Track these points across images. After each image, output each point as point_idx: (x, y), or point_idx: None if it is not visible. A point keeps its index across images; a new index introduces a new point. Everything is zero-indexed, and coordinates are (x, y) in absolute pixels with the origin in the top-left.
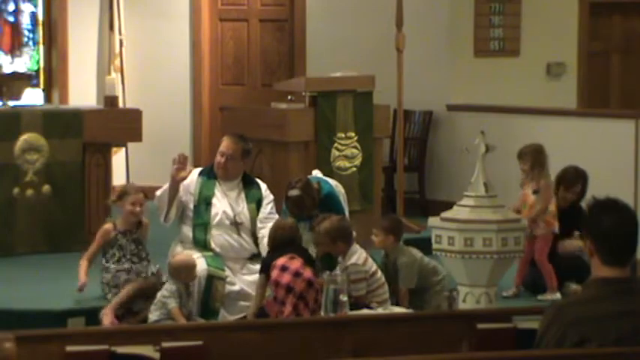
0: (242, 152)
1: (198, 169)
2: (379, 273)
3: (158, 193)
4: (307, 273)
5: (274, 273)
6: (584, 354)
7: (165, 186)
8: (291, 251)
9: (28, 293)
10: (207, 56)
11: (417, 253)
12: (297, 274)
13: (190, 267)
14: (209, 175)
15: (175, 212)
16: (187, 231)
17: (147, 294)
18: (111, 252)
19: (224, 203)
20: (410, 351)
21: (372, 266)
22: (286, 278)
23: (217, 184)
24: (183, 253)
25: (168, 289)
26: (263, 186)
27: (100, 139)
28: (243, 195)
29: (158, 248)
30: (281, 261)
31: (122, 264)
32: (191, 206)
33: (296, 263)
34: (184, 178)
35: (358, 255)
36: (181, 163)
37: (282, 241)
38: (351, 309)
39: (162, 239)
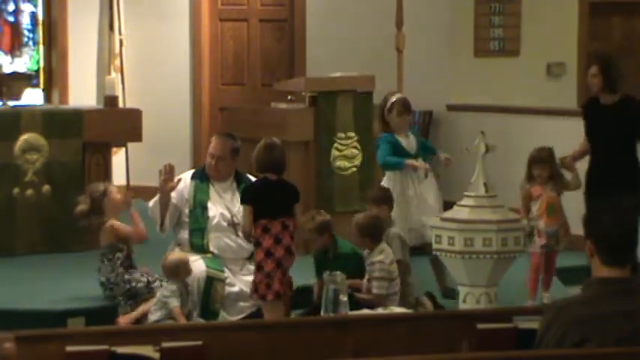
0: (231, 151)
1: (190, 172)
2: (398, 280)
3: (150, 204)
4: (294, 249)
5: (268, 242)
6: (584, 354)
7: (157, 197)
8: (277, 190)
9: (28, 293)
10: (207, 56)
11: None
12: (288, 251)
13: (185, 262)
14: (202, 177)
15: (170, 221)
16: (184, 235)
17: None
18: (117, 255)
19: (220, 205)
20: (410, 351)
21: (395, 271)
22: (279, 252)
23: (211, 186)
24: (173, 252)
25: (168, 288)
26: None
27: (100, 139)
28: (237, 195)
29: (154, 249)
30: (276, 229)
31: (133, 273)
32: (186, 211)
33: (287, 238)
34: (173, 188)
35: (387, 254)
36: (168, 174)
37: (266, 164)
38: (368, 307)
39: (157, 242)
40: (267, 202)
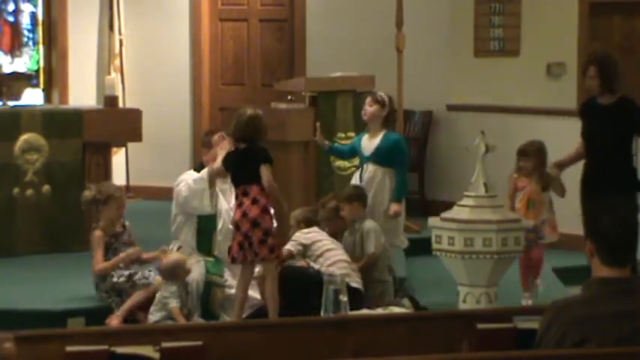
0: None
1: (192, 172)
2: (321, 243)
3: (202, 174)
4: (253, 212)
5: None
6: (584, 354)
7: (205, 171)
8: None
9: (28, 293)
10: (207, 56)
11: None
12: (244, 215)
13: (183, 263)
14: None
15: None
16: (187, 237)
17: (150, 301)
18: (106, 258)
19: (223, 203)
20: (410, 351)
21: (314, 238)
22: (236, 216)
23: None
24: (170, 255)
25: (168, 289)
26: None
27: (100, 139)
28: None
29: (154, 250)
30: (239, 194)
31: (121, 270)
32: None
33: (247, 202)
34: None
35: (311, 230)
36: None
37: (244, 133)
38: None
39: (157, 243)
40: (232, 170)
